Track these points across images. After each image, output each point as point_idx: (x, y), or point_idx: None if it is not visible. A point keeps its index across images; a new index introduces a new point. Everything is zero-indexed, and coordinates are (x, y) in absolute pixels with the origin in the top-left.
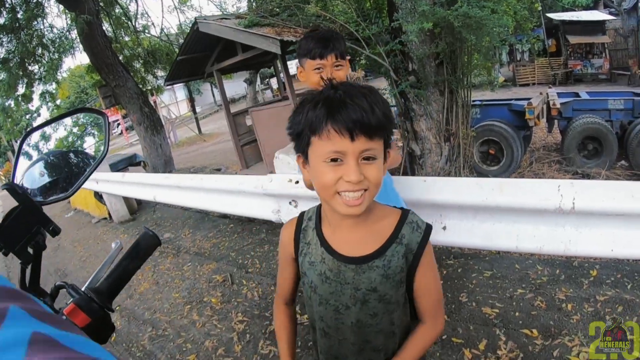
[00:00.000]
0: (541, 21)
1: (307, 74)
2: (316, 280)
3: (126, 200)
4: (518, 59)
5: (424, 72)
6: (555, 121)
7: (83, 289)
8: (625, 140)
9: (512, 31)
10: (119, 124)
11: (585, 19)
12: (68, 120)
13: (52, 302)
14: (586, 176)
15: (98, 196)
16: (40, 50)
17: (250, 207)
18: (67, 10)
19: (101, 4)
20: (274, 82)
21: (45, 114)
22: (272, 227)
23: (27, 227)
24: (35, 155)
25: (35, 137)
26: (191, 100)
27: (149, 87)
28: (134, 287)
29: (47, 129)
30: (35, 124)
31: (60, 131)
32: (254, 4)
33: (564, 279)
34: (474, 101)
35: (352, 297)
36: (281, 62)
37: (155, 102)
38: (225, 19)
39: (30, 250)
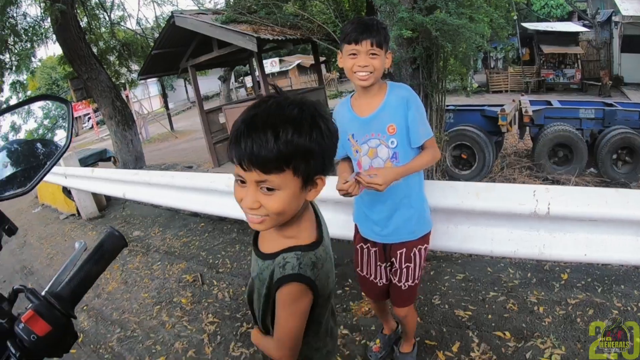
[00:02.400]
0: (516, 30)
1: (344, 59)
2: None
3: (95, 196)
4: (492, 66)
5: (400, 76)
6: (527, 128)
7: (43, 293)
8: (595, 148)
9: (488, 39)
10: (89, 118)
11: (559, 29)
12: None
13: (9, 307)
14: (556, 182)
15: (67, 192)
16: (12, 39)
17: (222, 206)
18: None
19: None
20: (248, 80)
21: None
22: (244, 227)
23: None
24: None
25: None
26: (164, 96)
27: (122, 81)
28: (102, 286)
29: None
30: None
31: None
32: (231, 0)
33: (535, 282)
34: (447, 106)
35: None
36: (257, 60)
37: (127, 96)
38: (203, 14)
39: None
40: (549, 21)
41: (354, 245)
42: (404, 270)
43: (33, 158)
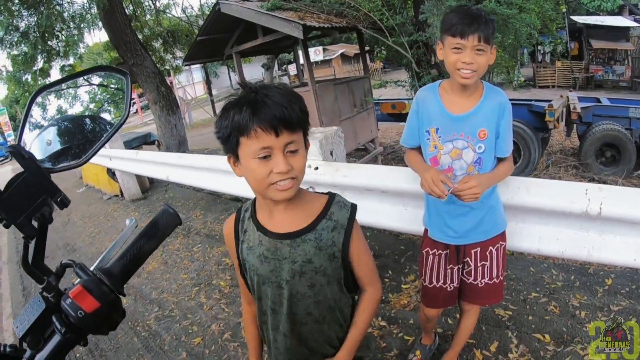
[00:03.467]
0: (565, 23)
1: (445, 52)
2: (256, 262)
3: (138, 178)
4: (539, 60)
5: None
6: (575, 125)
7: (92, 268)
8: None
9: (537, 31)
10: (134, 103)
11: (609, 24)
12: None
13: (57, 281)
14: (602, 184)
15: (111, 173)
16: (59, 26)
17: None
18: None
19: None
20: (291, 68)
21: None
22: None
23: (32, 197)
24: (46, 117)
25: (49, 97)
26: (208, 83)
27: (167, 67)
28: (142, 266)
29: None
30: None
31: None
32: None
33: (578, 286)
34: None
35: (290, 271)
36: (302, 48)
37: (171, 82)
38: (248, 0)
39: (35, 223)
40: (599, 15)
41: (420, 250)
42: (480, 268)
43: (88, 131)
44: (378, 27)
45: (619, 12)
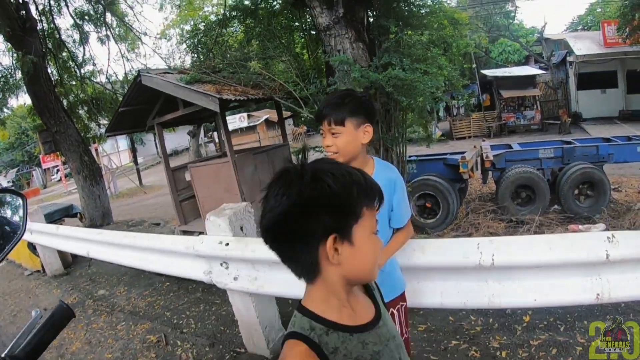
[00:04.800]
0: (476, 78)
1: None
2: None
3: (60, 253)
4: (454, 114)
5: None
6: (489, 172)
7: (3, 355)
8: (557, 186)
9: (446, 89)
10: (58, 170)
11: (517, 74)
12: None
13: None
14: (521, 223)
15: (32, 247)
16: None
17: (182, 268)
18: (13, 49)
19: (49, 46)
20: (217, 135)
21: None
22: (209, 286)
23: None
24: None
25: None
26: (133, 151)
27: (91, 135)
28: (65, 346)
29: None
30: None
31: None
32: (200, 57)
33: (497, 327)
34: (410, 157)
35: (398, 349)
36: (220, 120)
37: (96, 150)
38: (169, 73)
39: None
40: (507, 66)
41: None
42: None
43: None
44: (293, 96)
45: (525, 62)
